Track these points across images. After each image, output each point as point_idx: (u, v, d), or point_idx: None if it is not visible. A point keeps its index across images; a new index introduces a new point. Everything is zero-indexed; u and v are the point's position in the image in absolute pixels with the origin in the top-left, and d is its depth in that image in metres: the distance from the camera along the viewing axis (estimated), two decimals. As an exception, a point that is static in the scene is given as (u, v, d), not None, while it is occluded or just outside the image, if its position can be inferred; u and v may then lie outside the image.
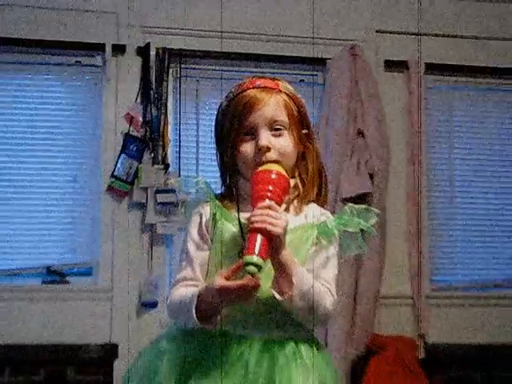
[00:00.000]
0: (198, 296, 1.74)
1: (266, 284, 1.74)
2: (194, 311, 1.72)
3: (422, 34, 4.47)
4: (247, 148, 1.86)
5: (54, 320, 4.03)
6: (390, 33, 4.47)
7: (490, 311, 4.42)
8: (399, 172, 4.39)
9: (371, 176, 4.16)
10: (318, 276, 1.81)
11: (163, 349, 1.84)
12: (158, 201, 4.06)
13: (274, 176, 1.77)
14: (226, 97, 1.94)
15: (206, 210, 1.89)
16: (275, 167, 1.79)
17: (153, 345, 1.90)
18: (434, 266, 4.51)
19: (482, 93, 4.67)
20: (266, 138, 1.84)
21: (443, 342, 4.34)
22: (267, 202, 1.72)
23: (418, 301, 4.36)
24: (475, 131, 4.64)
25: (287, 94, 1.91)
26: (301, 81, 4.35)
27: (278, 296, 1.73)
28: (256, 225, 1.69)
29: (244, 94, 1.88)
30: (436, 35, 4.53)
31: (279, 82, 1.93)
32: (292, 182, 1.89)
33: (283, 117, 1.87)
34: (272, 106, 1.86)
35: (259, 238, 1.68)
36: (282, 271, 1.74)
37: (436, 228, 4.54)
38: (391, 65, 4.48)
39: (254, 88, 1.89)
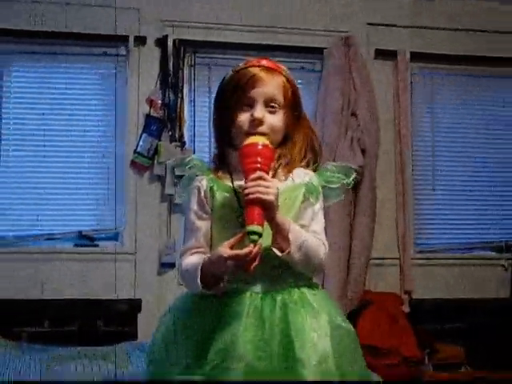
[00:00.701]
0: (202, 267, 1.74)
1: (268, 241, 1.75)
2: (199, 281, 1.73)
3: (408, 26, 4.52)
4: (243, 118, 1.85)
5: (84, 278, 4.07)
6: (380, 25, 4.48)
7: (468, 270, 4.49)
8: (388, 148, 4.44)
9: (363, 151, 4.19)
10: (309, 229, 1.84)
11: (181, 314, 1.86)
12: (176, 174, 4.01)
13: (260, 147, 1.76)
14: (232, 70, 1.92)
15: (203, 184, 1.87)
16: (260, 139, 1.78)
17: (172, 310, 1.91)
18: (418, 231, 4.57)
19: (460, 78, 4.70)
20: (261, 111, 1.84)
21: (426, 297, 4.39)
22: (257, 173, 1.72)
23: (404, 262, 4.41)
24: (455, 111, 4.69)
25: (286, 78, 1.90)
26: (301, 68, 4.38)
27: (278, 252, 1.75)
28: (251, 196, 1.70)
29: (249, 69, 1.87)
30: (421, 27, 4.54)
31: (280, 66, 1.92)
32: (277, 151, 1.89)
33: (280, 97, 1.87)
34: (271, 85, 1.86)
35: (255, 208, 1.70)
36: (279, 231, 1.76)
37: (420, 197, 4.59)
38: (381, 53, 4.50)
39: (258, 66, 1.87)
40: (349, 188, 1.93)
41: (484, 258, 4.60)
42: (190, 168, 1.90)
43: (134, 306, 4.10)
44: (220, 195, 1.85)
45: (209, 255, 1.78)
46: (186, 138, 4.22)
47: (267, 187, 1.71)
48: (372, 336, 3.79)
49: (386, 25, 4.50)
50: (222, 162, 1.94)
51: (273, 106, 1.87)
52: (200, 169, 1.90)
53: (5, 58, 4.19)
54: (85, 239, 4.17)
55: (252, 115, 1.84)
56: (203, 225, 1.86)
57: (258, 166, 1.74)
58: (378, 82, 4.45)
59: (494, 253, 4.65)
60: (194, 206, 1.87)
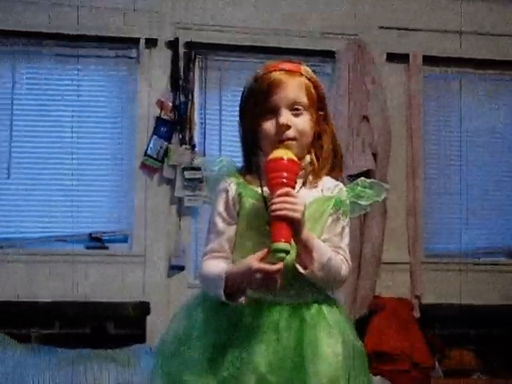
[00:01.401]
0: (227, 276, 1.71)
1: (292, 255, 1.73)
2: (222, 292, 1.71)
3: (420, 29, 4.51)
4: (269, 125, 1.81)
5: (95, 281, 4.08)
6: (392, 28, 4.47)
7: (479, 275, 4.46)
8: (399, 152, 4.42)
9: (374, 155, 4.19)
10: (335, 245, 1.82)
11: (196, 318, 1.83)
12: (186, 177, 4.07)
13: (286, 162, 1.73)
14: (253, 77, 1.88)
15: (231, 187, 1.85)
16: (285, 153, 1.74)
17: (187, 310, 1.88)
18: (429, 236, 4.54)
19: (473, 81, 4.68)
20: (286, 116, 1.80)
21: (436, 302, 4.36)
22: (284, 189, 1.70)
23: (414, 266, 4.40)
24: (468, 115, 4.64)
25: (308, 78, 1.86)
26: (313, 71, 4.34)
27: (301, 270, 1.74)
28: (278, 212, 1.67)
29: (269, 75, 1.83)
30: (433, 30, 4.52)
31: (301, 67, 1.88)
32: (308, 157, 1.87)
33: (303, 98, 1.83)
34: (293, 88, 1.82)
35: (282, 224, 1.68)
36: (304, 248, 1.74)
37: (431, 202, 4.56)
38: (393, 57, 4.48)
39: (278, 70, 1.84)
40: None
41: (495, 263, 4.57)
42: (219, 169, 1.89)
43: (143, 308, 4.10)
44: (248, 202, 1.83)
45: (235, 265, 1.76)
46: (196, 141, 4.22)
47: (294, 204, 1.69)
48: (382, 341, 3.79)
49: (398, 28, 4.49)
50: (249, 166, 1.90)
51: (297, 109, 1.83)
52: (229, 170, 1.89)
53: (16, 59, 4.21)
54: (95, 241, 4.18)
55: (277, 122, 1.81)
56: (228, 229, 1.84)
57: (284, 181, 1.72)
58: (390, 85, 4.44)
59: (505, 258, 4.63)
60: (221, 209, 1.85)
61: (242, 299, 1.72)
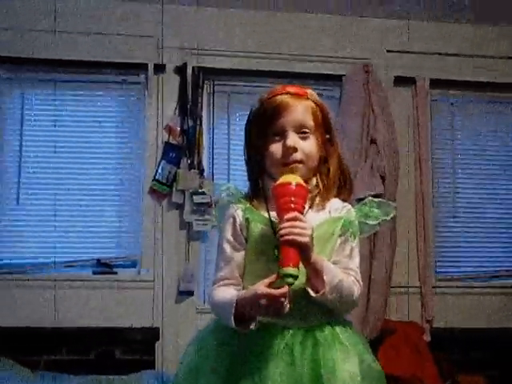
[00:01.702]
0: (237, 303, 1.70)
1: (302, 279, 1.71)
2: (232, 319, 1.69)
3: (427, 52, 4.53)
4: (276, 148, 1.82)
5: (103, 306, 4.07)
6: (399, 52, 4.48)
7: (490, 299, 4.42)
8: (408, 175, 4.41)
9: (383, 178, 4.18)
10: (345, 267, 1.81)
11: (209, 346, 1.81)
12: (194, 201, 4.07)
13: (294, 187, 1.72)
14: (259, 100, 1.89)
15: (238, 213, 1.84)
16: (294, 178, 1.74)
17: (199, 340, 1.87)
18: (440, 259, 4.52)
19: (481, 104, 4.68)
20: (293, 139, 1.81)
21: (448, 326, 4.34)
22: (292, 213, 1.69)
23: (425, 290, 4.37)
24: (475, 138, 4.66)
25: (314, 102, 1.86)
26: (320, 95, 4.34)
27: (312, 293, 1.72)
28: (286, 237, 1.66)
29: (275, 98, 1.84)
30: (440, 54, 4.53)
31: (307, 91, 1.88)
32: (314, 180, 1.87)
33: (309, 122, 1.83)
34: (300, 111, 1.82)
35: (290, 249, 1.67)
36: (313, 271, 1.72)
37: (441, 225, 4.55)
38: (400, 80, 4.48)
39: (284, 94, 1.84)
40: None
41: (506, 286, 4.53)
42: (225, 196, 1.88)
43: (152, 334, 4.08)
44: (256, 226, 1.81)
45: (243, 291, 1.75)
46: (205, 166, 4.22)
47: (303, 228, 1.68)
48: (393, 365, 3.74)
49: (406, 52, 4.50)
50: (256, 190, 1.89)
51: (304, 132, 1.83)
52: (235, 197, 1.87)
53: (25, 85, 4.24)
54: (103, 267, 4.17)
55: (284, 144, 1.81)
56: (237, 256, 1.83)
57: (292, 205, 1.71)
58: (398, 108, 4.45)
59: (517, 281, 4.59)
60: (229, 236, 1.84)
61: (253, 325, 1.71)
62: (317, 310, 1.78)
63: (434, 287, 4.40)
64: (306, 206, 1.78)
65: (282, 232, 1.67)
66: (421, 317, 4.35)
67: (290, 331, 1.76)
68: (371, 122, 4.28)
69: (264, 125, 1.84)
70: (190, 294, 4.13)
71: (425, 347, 4.12)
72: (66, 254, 4.18)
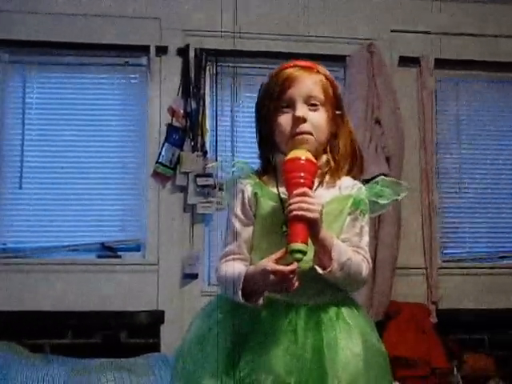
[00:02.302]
0: (245, 278, 1.71)
1: (309, 256, 1.71)
2: (240, 293, 1.70)
3: (432, 32, 4.49)
4: (285, 119, 1.82)
5: (107, 290, 4.06)
6: (403, 32, 4.45)
7: (496, 280, 4.41)
8: (413, 155, 4.39)
9: (388, 159, 4.15)
10: (354, 245, 1.80)
11: (214, 318, 1.82)
12: (198, 184, 4.06)
13: (303, 162, 1.72)
14: (269, 75, 1.89)
15: (248, 188, 1.84)
16: (303, 154, 1.73)
17: (204, 314, 1.89)
18: (445, 240, 4.51)
19: (486, 84, 4.65)
20: (302, 110, 1.80)
21: (453, 307, 4.32)
22: (301, 189, 1.69)
23: (430, 271, 4.36)
24: (480, 118, 4.63)
25: (325, 76, 1.87)
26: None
27: (320, 270, 1.72)
28: (295, 213, 1.66)
29: (286, 71, 1.85)
30: (444, 33, 4.50)
31: (318, 65, 1.89)
32: (324, 157, 1.86)
33: (319, 94, 1.83)
34: (310, 82, 1.83)
35: (299, 224, 1.66)
36: (322, 248, 1.72)
37: (446, 206, 4.53)
38: (404, 60, 4.46)
39: (294, 67, 1.85)
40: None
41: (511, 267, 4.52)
42: (234, 171, 1.88)
43: (157, 317, 4.08)
44: (264, 202, 1.82)
45: (252, 266, 1.74)
46: (208, 148, 4.21)
47: (312, 204, 1.67)
48: (399, 347, 3.76)
49: (410, 31, 4.47)
50: (267, 166, 1.90)
51: (314, 104, 1.83)
52: (245, 172, 1.88)
53: (26, 69, 4.22)
54: (107, 250, 4.17)
55: (293, 115, 1.81)
56: (246, 231, 1.83)
57: (302, 181, 1.71)
58: (403, 89, 4.42)
59: (522, 261, 4.57)
60: (238, 211, 1.85)
61: (260, 301, 1.71)
62: (323, 289, 1.78)
63: (439, 268, 4.38)
64: (316, 182, 1.78)
65: (291, 207, 1.67)
66: (427, 298, 4.34)
67: (295, 308, 1.76)
68: (375, 103, 4.25)
69: (273, 97, 1.84)
70: (195, 276, 4.11)
71: (431, 328, 4.11)
72: (69, 237, 4.16)
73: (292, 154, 1.74)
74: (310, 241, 1.69)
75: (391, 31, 4.47)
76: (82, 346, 3.94)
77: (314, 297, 1.78)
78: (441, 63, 4.51)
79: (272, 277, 1.66)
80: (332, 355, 1.71)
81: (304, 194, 1.68)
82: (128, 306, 4.07)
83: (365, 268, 1.78)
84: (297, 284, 1.67)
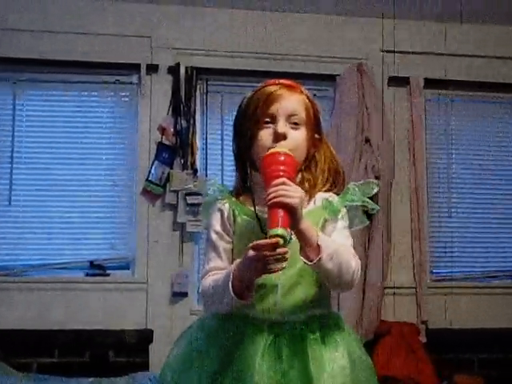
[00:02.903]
0: (233, 273, 1.67)
1: (289, 270, 1.70)
2: (230, 286, 1.65)
3: (422, 52, 4.53)
4: (265, 134, 1.79)
5: (96, 308, 4.05)
6: (393, 52, 4.46)
7: (486, 299, 4.41)
8: (402, 174, 4.41)
9: (377, 178, 4.12)
10: (340, 243, 1.75)
11: (198, 339, 1.80)
12: (188, 202, 4.06)
13: (283, 158, 1.69)
14: (252, 91, 1.87)
15: (226, 207, 1.82)
16: (282, 149, 1.72)
17: (186, 336, 1.86)
18: (434, 260, 4.51)
19: (475, 104, 4.68)
20: (284, 127, 1.78)
21: (443, 327, 4.31)
22: (281, 179, 1.65)
23: (420, 291, 4.35)
24: (470, 137, 4.66)
25: (307, 97, 1.86)
26: (314, 95, 4.31)
27: (306, 261, 1.66)
28: (274, 200, 1.61)
29: (269, 87, 1.83)
30: (434, 53, 4.53)
31: (300, 86, 1.88)
32: (299, 175, 1.84)
33: (301, 113, 1.82)
34: (293, 101, 1.81)
35: (279, 211, 1.61)
36: (306, 239, 1.67)
37: (436, 225, 4.54)
38: (394, 80, 4.49)
39: (278, 84, 1.84)
40: (374, 211, 1.86)
41: (503, 286, 4.53)
42: (212, 192, 1.86)
43: (146, 336, 4.06)
44: (242, 219, 1.80)
45: (237, 260, 1.70)
46: (198, 166, 4.21)
47: (291, 191, 1.63)
48: (389, 366, 3.75)
49: (400, 52, 4.49)
50: (243, 187, 1.87)
51: (295, 123, 1.81)
52: (222, 193, 1.86)
53: (16, 86, 4.22)
54: (96, 268, 4.15)
55: (275, 131, 1.78)
56: (227, 247, 1.81)
57: (281, 173, 1.67)
58: (393, 108, 4.44)
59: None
60: (218, 228, 1.82)
61: (251, 296, 1.68)
62: (303, 302, 1.77)
63: (429, 287, 4.39)
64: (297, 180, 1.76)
65: (269, 196, 1.63)
66: (416, 317, 4.33)
67: (278, 326, 1.74)
68: (365, 122, 4.28)
69: (256, 111, 1.81)
70: (184, 295, 4.11)
71: (420, 348, 4.10)
72: (58, 255, 4.15)
73: (271, 150, 1.73)
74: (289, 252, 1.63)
75: (381, 51, 4.49)
76: (70, 365, 3.92)
77: (297, 312, 1.76)
78: (430, 83, 4.53)
79: (254, 254, 1.61)
80: (318, 370, 1.69)
81: (283, 183, 1.64)
82: (116, 324, 4.05)
83: (354, 262, 1.72)
84: (285, 264, 1.62)
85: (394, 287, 4.31)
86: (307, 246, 1.68)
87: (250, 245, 1.62)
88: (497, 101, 4.72)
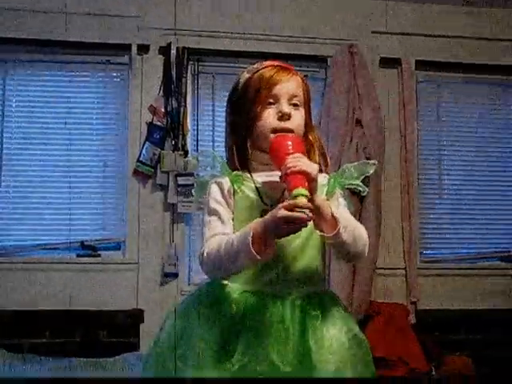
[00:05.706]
0: (253, 232, 1.65)
1: (292, 244, 1.75)
2: (250, 243, 1.63)
3: (413, 34, 4.52)
4: (268, 114, 1.82)
5: (87, 289, 4.04)
6: (384, 33, 4.47)
7: (475, 280, 4.44)
8: (393, 156, 4.41)
9: (368, 159, 4.08)
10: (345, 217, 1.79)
11: (195, 313, 1.79)
12: (179, 183, 4.05)
13: (290, 142, 1.75)
14: (248, 72, 1.90)
15: (225, 180, 1.83)
16: (288, 133, 1.79)
17: (182, 309, 1.85)
18: (424, 241, 4.53)
19: (466, 86, 4.68)
20: (288, 107, 1.83)
21: (432, 308, 4.35)
22: (297, 154, 1.71)
23: (409, 272, 4.37)
24: (460, 119, 4.67)
25: (301, 79, 1.90)
26: (305, 76, 4.35)
27: (325, 234, 1.71)
28: (294, 169, 1.66)
29: (269, 68, 1.87)
30: (426, 35, 4.52)
31: (293, 68, 1.92)
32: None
33: (300, 94, 1.87)
34: (293, 82, 1.86)
35: (298, 175, 1.66)
36: (320, 213, 1.71)
37: (426, 207, 4.55)
38: (386, 62, 4.48)
39: (276, 66, 1.88)
40: (364, 193, 1.89)
41: (492, 267, 4.55)
42: (213, 164, 1.86)
43: (137, 316, 4.06)
44: (242, 194, 1.82)
45: (257, 219, 1.70)
46: (189, 147, 4.20)
47: (309, 163, 1.70)
48: (378, 347, 3.75)
49: (391, 33, 4.48)
50: (241, 162, 1.86)
51: (296, 104, 1.86)
52: (222, 167, 1.86)
53: (6, 66, 4.19)
54: (87, 249, 4.14)
55: (279, 111, 1.83)
56: (229, 216, 1.81)
57: (293, 151, 1.73)
58: (384, 90, 4.44)
59: (502, 262, 4.60)
60: (219, 197, 1.82)
61: (270, 251, 1.68)
62: (307, 280, 1.80)
63: (418, 269, 4.40)
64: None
65: (289, 165, 1.67)
66: (406, 298, 4.35)
67: (280, 300, 1.76)
68: (356, 104, 4.27)
69: (258, 93, 1.84)
70: (175, 276, 4.11)
71: (410, 329, 4.13)
72: (49, 236, 4.14)
73: (277, 135, 1.79)
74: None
75: (372, 32, 4.48)
76: (61, 346, 3.91)
77: (298, 287, 1.78)
78: (422, 64, 4.53)
79: (285, 213, 1.61)
80: (317, 344, 1.73)
81: (300, 157, 1.71)
82: (108, 305, 4.05)
83: (365, 232, 1.79)
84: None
85: (385, 268, 4.32)
86: (322, 219, 1.72)
87: (281, 205, 1.63)
88: (488, 82, 4.71)
